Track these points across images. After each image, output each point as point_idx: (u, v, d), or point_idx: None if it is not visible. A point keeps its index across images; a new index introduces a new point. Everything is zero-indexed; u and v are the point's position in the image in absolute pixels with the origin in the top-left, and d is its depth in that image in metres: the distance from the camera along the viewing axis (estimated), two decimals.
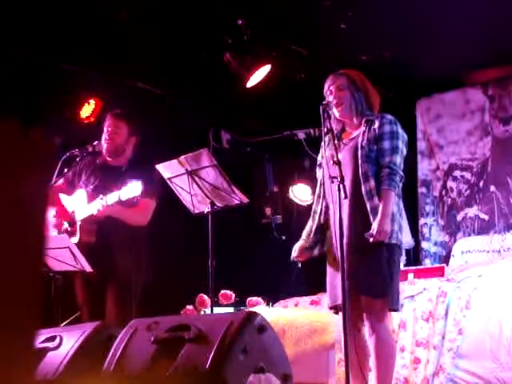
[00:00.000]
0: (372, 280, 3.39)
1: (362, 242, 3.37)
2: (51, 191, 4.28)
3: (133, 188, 3.85)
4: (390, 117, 3.57)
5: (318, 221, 3.67)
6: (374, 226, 3.34)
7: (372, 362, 3.47)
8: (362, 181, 3.43)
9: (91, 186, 4.28)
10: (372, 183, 3.43)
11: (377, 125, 3.51)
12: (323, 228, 3.66)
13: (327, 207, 3.64)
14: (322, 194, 3.68)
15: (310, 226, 3.71)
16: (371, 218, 3.39)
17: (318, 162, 3.77)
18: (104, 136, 4.32)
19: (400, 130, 3.56)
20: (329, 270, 3.61)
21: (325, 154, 3.63)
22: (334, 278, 3.52)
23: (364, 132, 3.52)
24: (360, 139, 3.51)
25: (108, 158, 4.36)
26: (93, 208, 4.05)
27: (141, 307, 4.23)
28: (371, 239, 3.33)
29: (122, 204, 3.98)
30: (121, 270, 4.16)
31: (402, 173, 3.50)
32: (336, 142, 3.42)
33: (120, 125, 4.32)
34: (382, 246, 3.38)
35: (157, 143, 5.16)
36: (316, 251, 3.68)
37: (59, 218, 4.27)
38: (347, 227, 3.39)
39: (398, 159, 3.49)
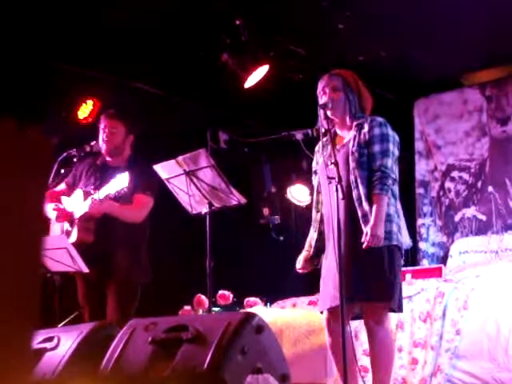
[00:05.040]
0: (376, 284, 3.36)
1: (359, 247, 3.34)
2: (49, 192, 4.29)
3: (120, 180, 3.87)
4: (379, 119, 3.53)
5: (319, 228, 3.64)
6: (367, 230, 3.32)
7: (370, 362, 3.47)
8: (352, 187, 3.41)
9: (92, 187, 4.28)
10: (362, 189, 3.40)
11: (366, 128, 3.48)
12: (323, 235, 3.63)
13: (323, 214, 3.63)
14: (320, 201, 3.66)
15: (312, 234, 3.68)
16: (362, 225, 3.37)
17: (314, 169, 3.73)
18: (102, 137, 4.31)
19: (390, 132, 3.51)
20: (323, 273, 3.59)
21: (319, 160, 3.63)
22: (328, 282, 3.51)
23: (355, 136, 3.50)
24: (351, 144, 3.49)
25: (108, 159, 4.36)
26: (86, 205, 4.06)
27: (139, 307, 4.23)
28: (364, 244, 3.32)
29: (117, 199, 3.98)
30: (120, 269, 4.16)
31: (394, 175, 3.45)
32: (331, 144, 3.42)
33: (116, 124, 4.32)
34: (383, 248, 3.37)
35: (155, 143, 5.16)
36: (320, 261, 3.64)
37: (61, 220, 4.27)
38: (343, 233, 3.36)
39: (390, 162, 3.44)
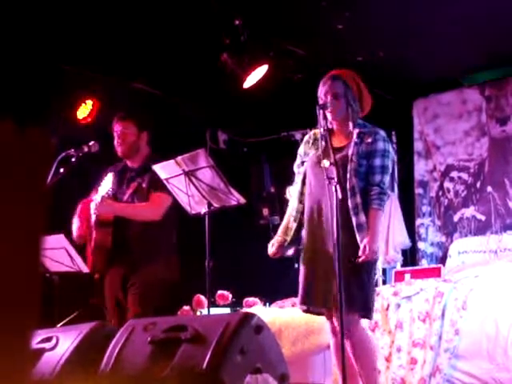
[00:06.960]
0: (354, 296, 3.38)
1: (346, 256, 3.33)
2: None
3: (106, 180, 3.99)
4: (383, 133, 3.60)
5: (299, 220, 3.66)
6: (366, 245, 3.36)
7: (354, 363, 3.47)
8: (348, 195, 3.43)
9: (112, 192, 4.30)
10: (358, 199, 3.44)
11: (369, 140, 3.53)
12: (301, 227, 3.66)
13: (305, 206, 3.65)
14: (304, 192, 3.67)
15: (290, 223, 3.68)
16: (356, 233, 3.41)
17: (301, 160, 3.73)
18: (116, 141, 4.34)
19: (390, 149, 3.63)
20: (303, 269, 3.60)
21: (308, 151, 3.64)
22: (309, 278, 3.53)
23: (356, 143, 3.52)
24: (350, 151, 3.51)
25: (127, 162, 4.37)
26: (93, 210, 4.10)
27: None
28: (360, 259, 3.36)
29: (132, 200, 4.05)
30: (141, 271, 4.16)
31: (388, 193, 3.60)
32: (325, 144, 3.42)
33: (127, 124, 4.34)
34: (366, 262, 3.42)
35: (154, 143, 5.16)
36: (291, 251, 3.68)
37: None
38: (332, 240, 3.38)
39: (387, 178, 3.56)
